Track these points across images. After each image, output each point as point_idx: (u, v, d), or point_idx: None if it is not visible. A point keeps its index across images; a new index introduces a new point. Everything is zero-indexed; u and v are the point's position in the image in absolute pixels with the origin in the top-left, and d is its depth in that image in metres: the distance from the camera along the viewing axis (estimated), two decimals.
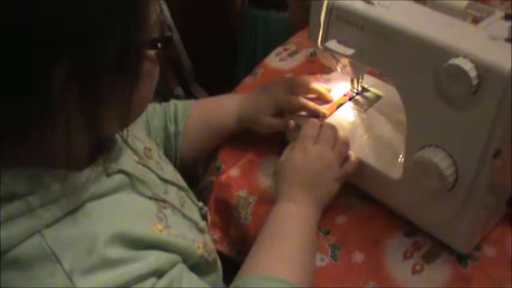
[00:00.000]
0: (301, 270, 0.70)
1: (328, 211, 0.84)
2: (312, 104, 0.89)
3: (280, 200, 0.77)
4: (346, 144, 0.81)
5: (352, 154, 0.82)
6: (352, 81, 0.93)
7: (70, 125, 0.51)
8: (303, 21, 0.97)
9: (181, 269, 0.62)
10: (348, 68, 0.88)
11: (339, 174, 0.80)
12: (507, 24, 0.68)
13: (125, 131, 0.64)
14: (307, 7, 0.82)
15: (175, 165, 0.90)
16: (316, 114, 0.88)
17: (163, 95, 0.99)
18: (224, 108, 0.94)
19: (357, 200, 0.86)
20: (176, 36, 1.25)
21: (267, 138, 0.96)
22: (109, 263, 0.53)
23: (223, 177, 0.92)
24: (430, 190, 0.73)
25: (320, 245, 0.81)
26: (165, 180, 0.70)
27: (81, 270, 0.51)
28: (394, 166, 0.80)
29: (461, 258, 0.77)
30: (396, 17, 0.72)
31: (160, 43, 0.56)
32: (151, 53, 0.56)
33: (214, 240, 0.86)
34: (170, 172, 0.75)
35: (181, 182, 0.77)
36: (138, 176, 0.63)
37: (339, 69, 0.91)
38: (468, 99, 0.65)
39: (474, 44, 0.65)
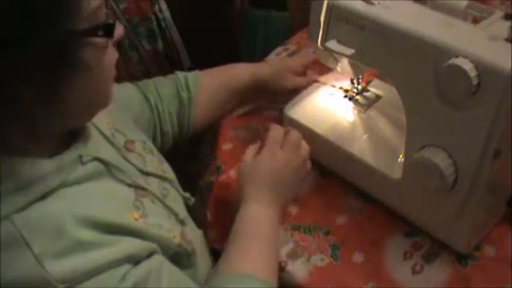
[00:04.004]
0: (271, 266, 0.71)
1: (328, 211, 0.84)
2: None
3: (249, 202, 0.76)
4: (308, 150, 0.81)
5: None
6: (352, 81, 0.93)
7: (27, 117, 0.53)
8: (303, 21, 0.97)
9: (160, 260, 0.61)
10: (348, 68, 0.88)
11: (303, 177, 0.80)
12: (507, 24, 0.68)
13: (103, 123, 0.66)
14: (307, 7, 0.82)
15: (187, 133, 0.92)
16: None
17: None
18: (236, 70, 0.96)
19: (356, 200, 0.86)
20: (176, 36, 1.25)
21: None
22: (81, 246, 0.53)
23: (223, 177, 0.92)
24: (430, 190, 0.73)
25: (320, 245, 0.81)
26: (146, 173, 0.70)
27: (52, 254, 0.51)
28: (394, 166, 0.80)
29: (461, 258, 0.77)
30: (396, 17, 0.72)
31: (101, 31, 0.55)
32: (97, 41, 0.55)
33: (213, 240, 0.86)
34: (154, 163, 0.75)
35: (167, 173, 0.77)
36: (115, 164, 0.63)
37: (339, 69, 0.91)
38: (468, 99, 0.65)
39: (474, 44, 0.65)
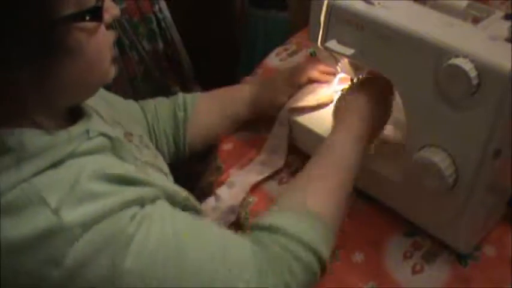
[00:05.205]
0: (340, 209, 0.71)
1: None
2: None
3: (341, 130, 0.76)
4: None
5: None
6: (352, 81, 0.93)
7: (29, 95, 0.57)
8: (303, 21, 0.97)
9: (164, 204, 0.63)
10: (348, 68, 0.88)
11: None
12: (507, 24, 0.68)
13: (104, 112, 0.69)
14: (307, 7, 0.82)
15: (183, 153, 0.94)
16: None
17: (162, 95, 0.99)
18: (235, 97, 0.97)
19: (356, 200, 0.86)
20: (176, 36, 1.25)
21: (267, 138, 0.96)
22: (93, 196, 0.56)
23: (223, 177, 0.92)
24: (430, 190, 0.73)
25: None
26: (143, 162, 0.72)
27: (67, 205, 0.54)
28: (394, 166, 0.80)
29: (461, 258, 0.77)
30: (396, 17, 0.72)
31: (89, 15, 0.57)
32: (86, 25, 0.57)
33: None
34: (150, 156, 0.77)
35: (162, 166, 0.79)
36: (119, 139, 0.65)
37: (339, 69, 0.91)
38: (468, 99, 0.65)
39: (474, 44, 0.65)
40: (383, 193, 0.84)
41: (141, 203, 0.59)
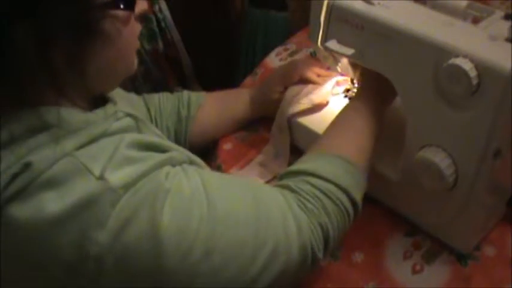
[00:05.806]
0: (364, 154, 0.74)
1: None
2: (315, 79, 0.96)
3: (359, 98, 0.80)
4: None
5: None
6: (352, 81, 0.93)
7: (63, 76, 0.58)
8: (303, 21, 0.97)
9: (189, 165, 0.65)
10: (348, 68, 0.88)
11: None
12: (507, 24, 0.68)
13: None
14: (307, 7, 0.82)
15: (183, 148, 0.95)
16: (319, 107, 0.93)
17: None
18: (235, 98, 1.00)
19: None
20: (176, 36, 1.25)
21: (266, 138, 0.97)
22: (131, 160, 0.59)
23: None
24: (430, 190, 0.73)
25: None
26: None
27: (110, 170, 0.57)
28: (394, 166, 0.81)
29: (461, 258, 0.77)
30: (396, 17, 0.72)
31: (122, 3, 0.60)
32: (118, 13, 0.60)
33: None
34: None
35: None
36: (142, 119, 0.67)
37: (339, 69, 0.91)
38: (468, 99, 0.65)
39: (474, 44, 0.65)
40: (383, 193, 0.84)
41: (172, 163, 0.62)
